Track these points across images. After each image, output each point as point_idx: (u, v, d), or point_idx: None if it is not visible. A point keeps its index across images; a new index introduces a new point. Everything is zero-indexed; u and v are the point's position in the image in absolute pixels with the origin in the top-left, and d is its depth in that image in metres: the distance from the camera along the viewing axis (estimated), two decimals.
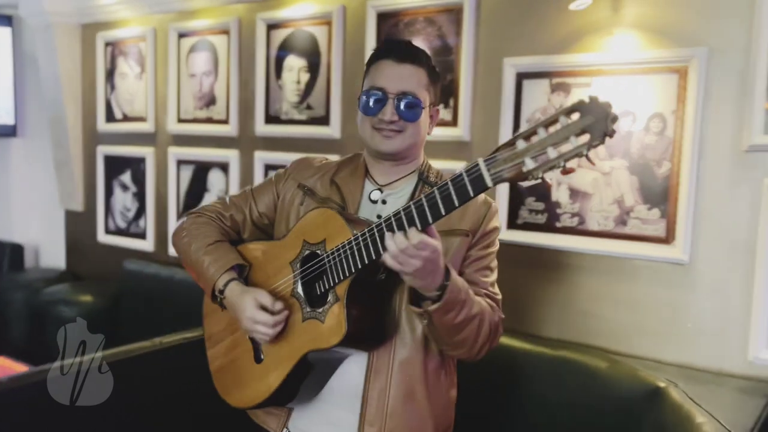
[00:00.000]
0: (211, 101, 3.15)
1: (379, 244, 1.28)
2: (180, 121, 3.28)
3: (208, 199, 3.22)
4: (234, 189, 3.08)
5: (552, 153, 1.07)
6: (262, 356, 1.52)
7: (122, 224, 3.61)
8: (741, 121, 1.89)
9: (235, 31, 3.01)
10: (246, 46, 3.00)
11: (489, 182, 1.14)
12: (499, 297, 1.52)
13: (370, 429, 1.44)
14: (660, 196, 2.03)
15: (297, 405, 1.54)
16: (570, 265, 2.20)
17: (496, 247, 1.54)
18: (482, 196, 1.44)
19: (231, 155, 3.08)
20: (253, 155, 3.00)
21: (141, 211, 3.51)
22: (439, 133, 2.32)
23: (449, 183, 1.18)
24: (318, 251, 1.42)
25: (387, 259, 1.25)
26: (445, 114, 2.40)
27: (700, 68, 1.93)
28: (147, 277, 3.31)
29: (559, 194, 2.20)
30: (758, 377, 1.88)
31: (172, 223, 3.35)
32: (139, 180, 3.50)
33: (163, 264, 3.33)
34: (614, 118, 1.02)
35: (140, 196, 3.51)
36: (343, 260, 1.35)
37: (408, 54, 1.49)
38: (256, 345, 1.55)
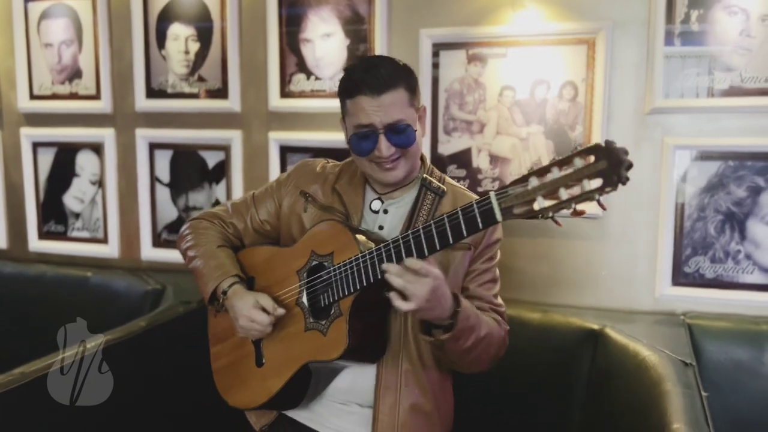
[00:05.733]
0: (75, 74, 2.79)
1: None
2: (34, 97, 2.87)
3: (78, 184, 2.87)
4: (111, 171, 2.78)
5: (564, 194, 1.04)
6: (263, 360, 1.48)
7: None
8: (643, 87, 2.13)
9: None
10: (118, 13, 2.69)
11: (498, 216, 1.13)
12: (504, 308, 1.55)
13: None
14: None
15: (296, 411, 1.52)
16: None
17: (498, 257, 1.57)
18: None
19: (106, 134, 2.76)
20: (134, 133, 2.73)
21: None
22: None
23: (459, 212, 1.18)
24: (325, 263, 1.40)
25: (393, 279, 1.23)
26: None
27: (606, 40, 2.12)
28: (4, 279, 2.88)
29: (480, 161, 2.31)
30: (664, 311, 2.16)
31: (31, 214, 2.94)
32: None
33: (24, 263, 2.92)
34: (629, 166, 0.99)
35: None
36: (349, 276, 1.33)
37: (383, 84, 1.39)
38: (257, 348, 1.50)
